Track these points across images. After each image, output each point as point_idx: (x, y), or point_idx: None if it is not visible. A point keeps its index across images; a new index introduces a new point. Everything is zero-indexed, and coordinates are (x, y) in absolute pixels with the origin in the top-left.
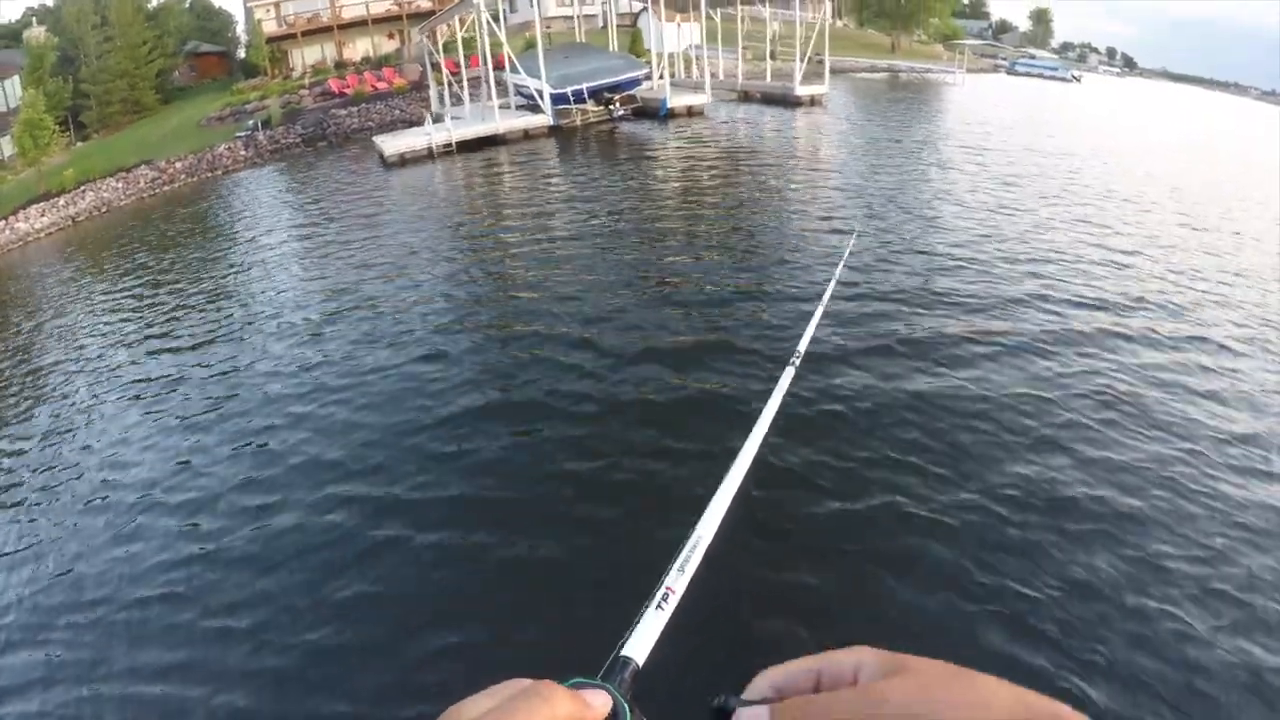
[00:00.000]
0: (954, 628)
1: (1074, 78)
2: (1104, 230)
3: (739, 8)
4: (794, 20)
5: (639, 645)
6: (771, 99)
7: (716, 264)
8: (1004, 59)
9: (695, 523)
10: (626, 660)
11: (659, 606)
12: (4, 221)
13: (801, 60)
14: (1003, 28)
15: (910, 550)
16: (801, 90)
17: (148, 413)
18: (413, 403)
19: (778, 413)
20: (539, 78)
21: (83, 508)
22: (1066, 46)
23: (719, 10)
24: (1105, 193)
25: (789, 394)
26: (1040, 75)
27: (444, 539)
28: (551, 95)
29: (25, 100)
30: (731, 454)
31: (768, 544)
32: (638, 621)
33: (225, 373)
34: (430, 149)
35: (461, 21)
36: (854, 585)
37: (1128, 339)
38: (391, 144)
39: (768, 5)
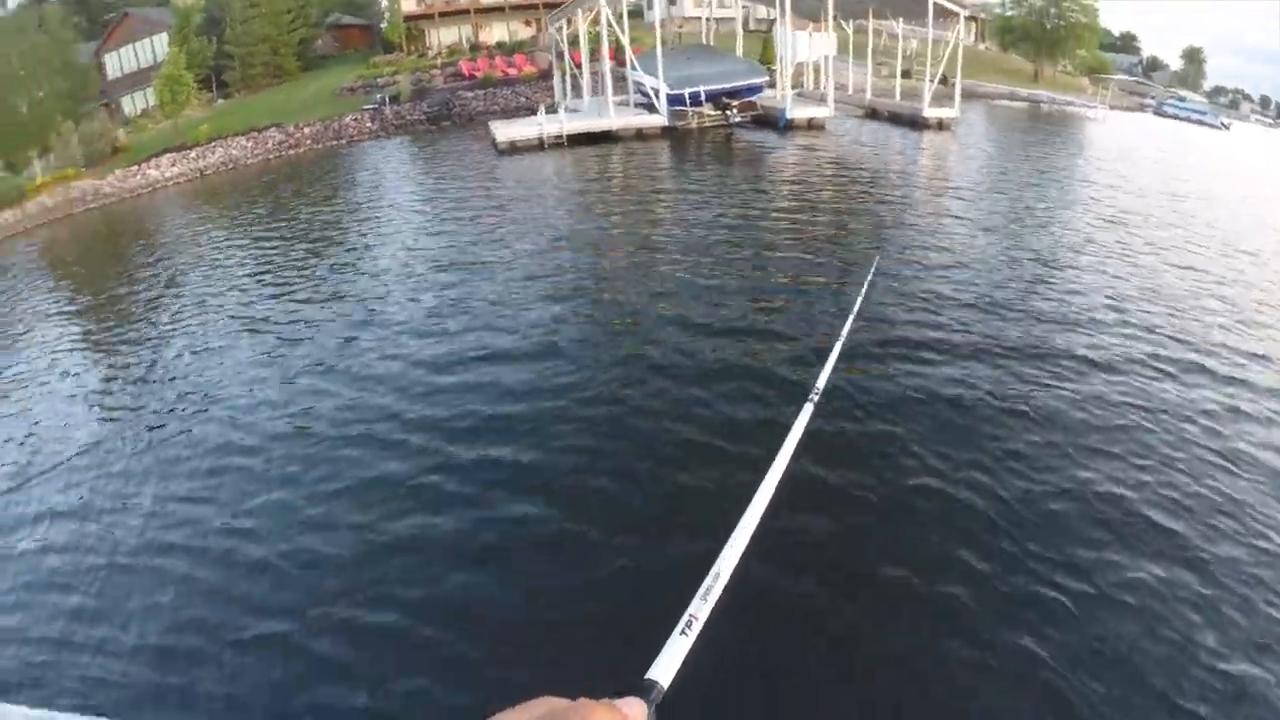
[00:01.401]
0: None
1: (1223, 125)
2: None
3: (870, 20)
4: (932, 38)
5: (665, 669)
6: (898, 119)
7: (817, 290)
8: (1152, 98)
9: (718, 554)
10: (653, 683)
11: (683, 632)
12: (137, 167)
13: (932, 81)
14: (1153, 65)
15: (932, 587)
16: (929, 112)
17: (252, 348)
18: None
19: (797, 448)
20: (657, 77)
21: (181, 417)
22: (1218, 90)
23: (851, 22)
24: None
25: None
26: (1188, 119)
27: (476, 536)
28: (668, 96)
29: (168, 57)
30: (753, 486)
31: (788, 577)
32: (664, 646)
33: (324, 320)
34: (541, 139)
35: (589, 13)
36: (874, 621)
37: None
38: (504, 130)
39: (901, 22)
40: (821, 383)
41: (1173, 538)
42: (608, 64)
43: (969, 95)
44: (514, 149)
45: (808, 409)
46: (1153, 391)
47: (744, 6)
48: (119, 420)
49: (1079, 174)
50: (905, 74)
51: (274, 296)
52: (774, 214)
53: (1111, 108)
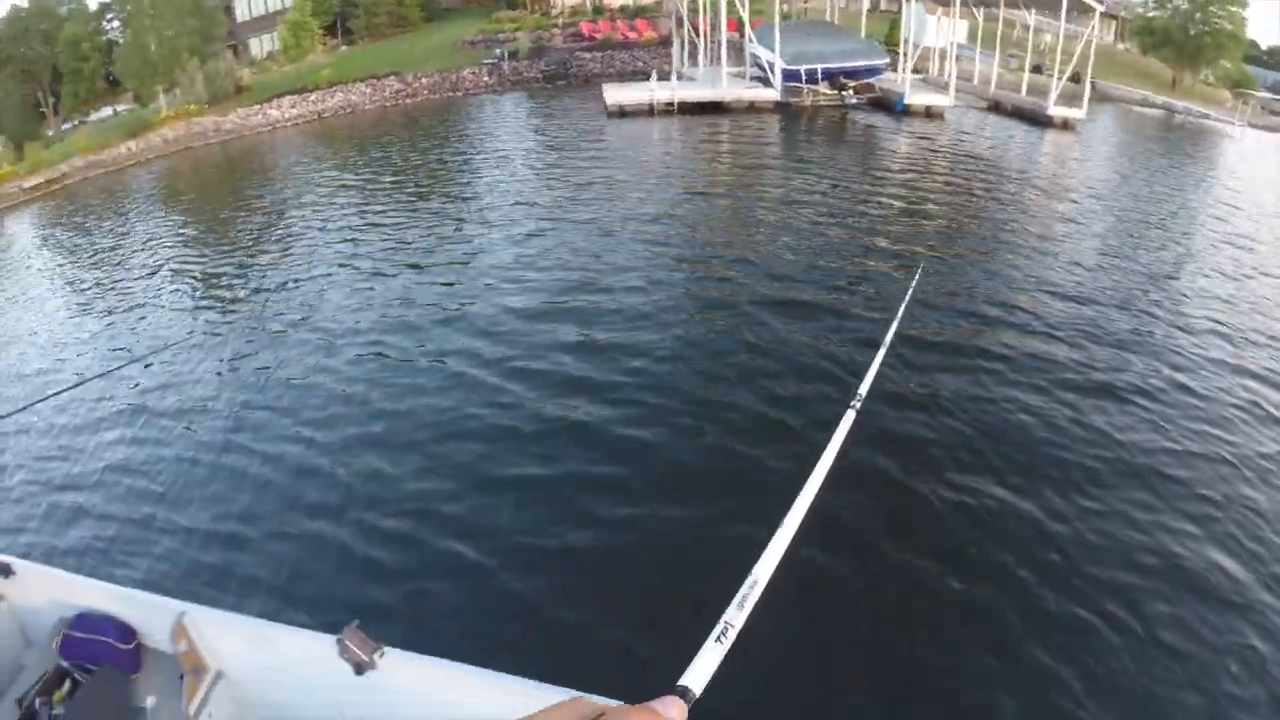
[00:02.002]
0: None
1: None
2: None
3: (1002, 8)
4: (1065, 32)
5: (697, 676)
6: (1021, 113)
7: (933, 294)
8: None
9: (754, 562)
10: (685, 689)
11: (718, 640)
12: (259, 107)
13: (1062, 77)
14: None
15: (973, 602)
16: (1055, 110)
17: (349, 281)
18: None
19: (838, 455)
20: (774, 50)
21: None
22: None
23: (983, 9)
24: None
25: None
26: None
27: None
28: (784, 71)
29: (294, 3)
30: (793, 496)
31: (825, 587)
32: (697, 653)
33: (422, 261)
34: (651, 105)
35: None
36: (913, 636)
37: None
38: (614, 94)
39: (1033, 12)
40: (864, 389)
41: (1236, 587)
42: (725, 33)
43: (1100, 97)
44: (623, 113)
45: (850, 416)
46: (1247, 435)
47: None
48: (214, 332)
49: (1204, 192)
50: (1036, 69)
51: (377, 235)
52: (879, 199)
53: (1251, 125)
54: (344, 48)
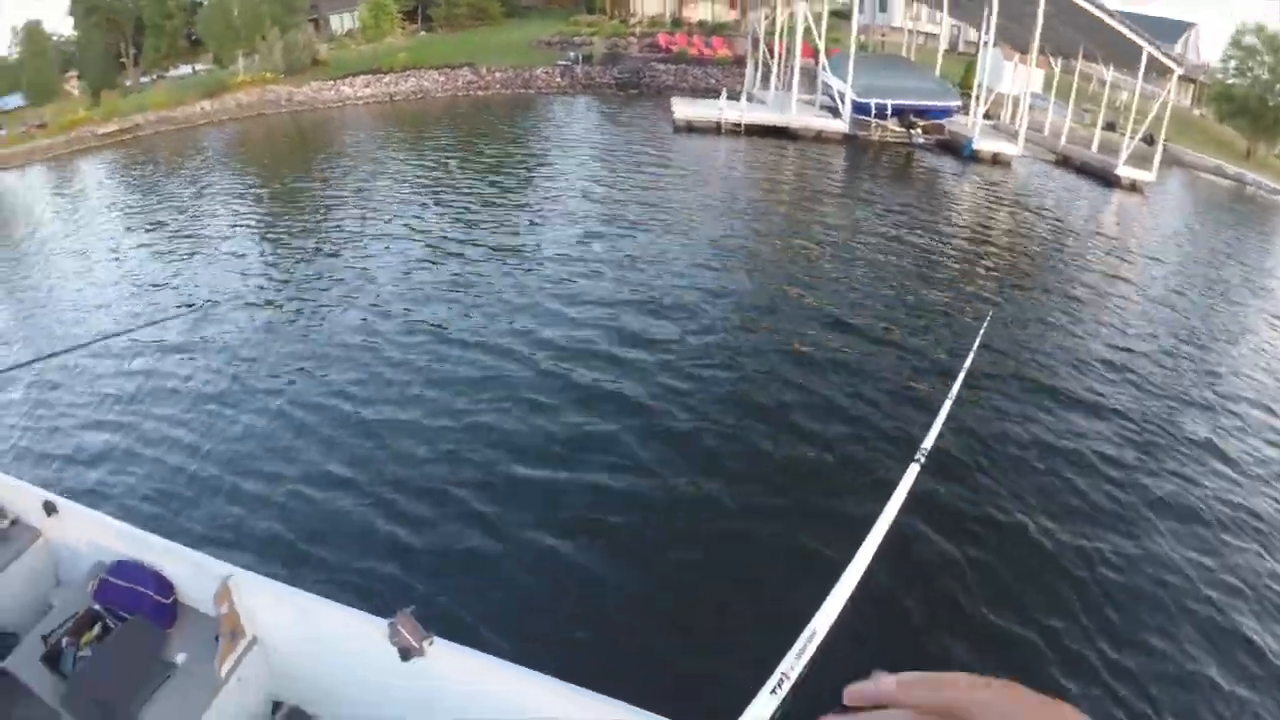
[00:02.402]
0: None
1: None
2: None
3: (1079, 61)
4: (1141, 91)
5: None
6: (1089, 170)
7: (956, 327)
8: None
9: (813, 613)
10: None
11: (774, 691)
12: (333, 82)
13: (1134, 137)
14: None
15: (1029, 660)
16: (1123, 170)
17: (406, 256)
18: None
19: (901, 508)
20: (845, 81)
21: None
22: None
23: (1060, 60)
24: None
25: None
26: None
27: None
28: (854, 102)
29: None
30: (853, 549)
31: (885, 643)
32: (750, 704)
33: (479, 244)
34: (719, 123)
35: (788, 6)
36: None
37: None
38: (683, 109)
39: (1111, 68)
40: (929, 443)
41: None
42: (799, 59)
43: (1172, 161)
44: (690, 128)
45: (913, 470)
46: None
47: (954, 26)
48: (271, 289)
49: (1268, 269)
50: (1109, 126)
51: (436, 218)
52: (941, 242)
53: None
54: (422, 34)
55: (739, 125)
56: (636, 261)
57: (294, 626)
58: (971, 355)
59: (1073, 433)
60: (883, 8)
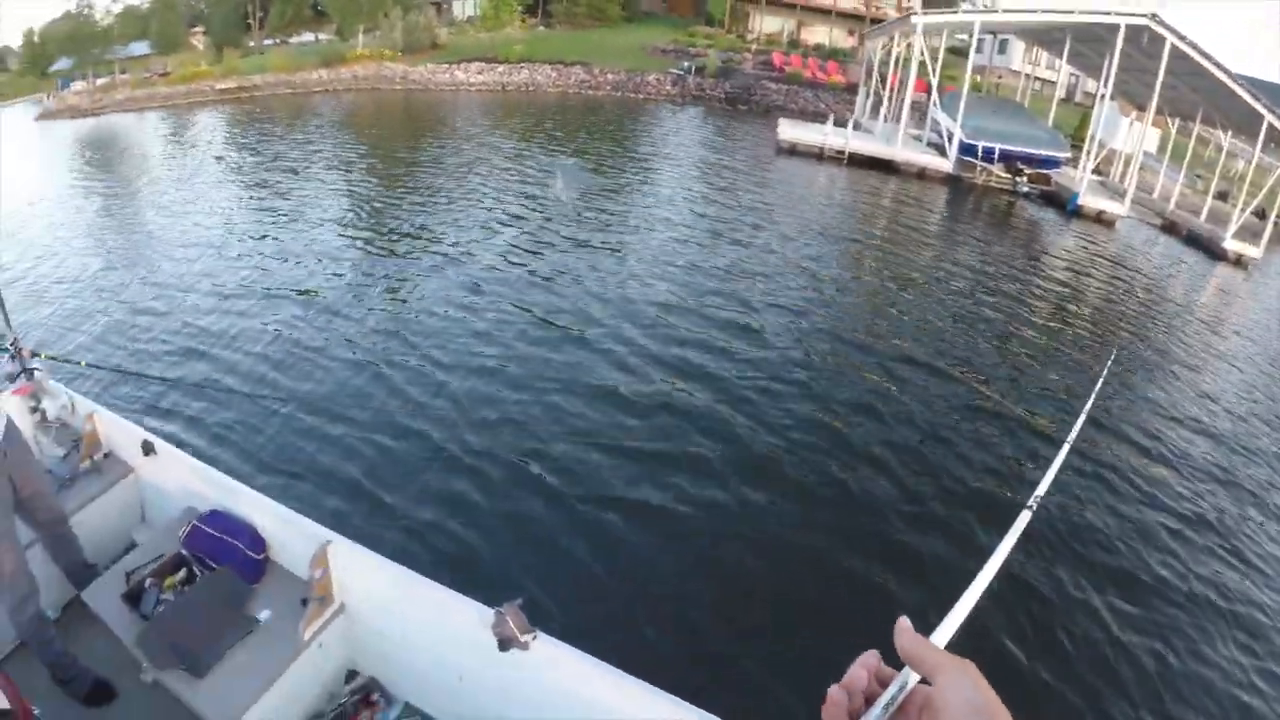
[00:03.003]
0: None
1: None
2: None
3: (1197, 124)
4: (1259, 162)
5: None
6: (1195, 240)
7: (1047, 393)
8: None
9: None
10: None
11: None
12: (448, 66)
13: (1245, 209)
14: None
15: None
16: (1230, 244)
17: (501, 240)
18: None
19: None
20: (955, 120)
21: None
22: None
23: (1177, 120)
24: None
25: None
26: None
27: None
28: (961, 143)
29: None
30: (953, 597)
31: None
32: None
33: (571, 242)
34: (822, 149)
35: (905, 39)
36: None
37: None
38: (789, 131)
39: (1229, 134)
40: (1042, 490)
41: None
42: (911, 93)
43: None
44: (793, 150)
45: (1025, 517)
46: None
47: (1072, 76)
48: (368, 257)
49: None
50: (1221, 195)
51: (536, 208)
52: (1032, 297)
53: None
54: (540, 29)
55: (842, 153)
56: (728, 275)
57: (387, 599)
58: (1086, 409)
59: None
60: (1001, 50)
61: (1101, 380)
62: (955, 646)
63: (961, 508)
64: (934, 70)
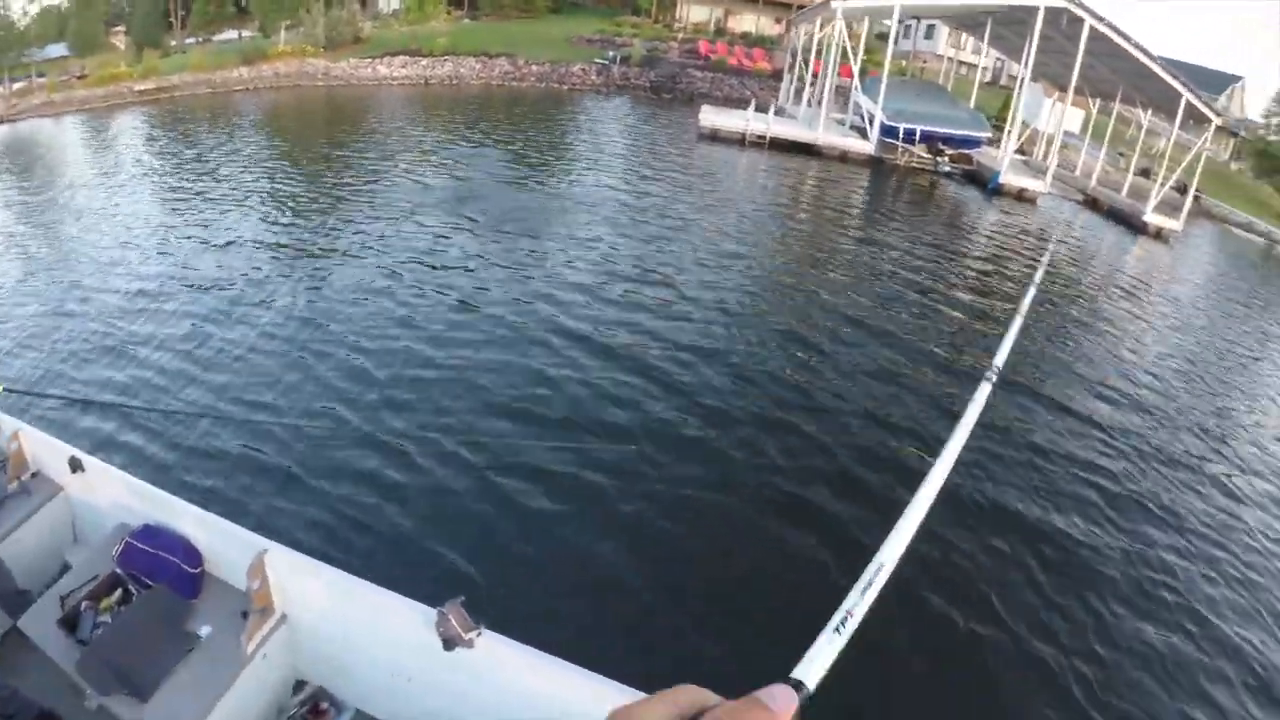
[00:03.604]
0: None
1: None
2: None
3: (1118, 104)
4: (1177, 140)
5: (812, 669)
6: (1116, 214)
7: (953, 367)
8: None
9: (880, 545)
10: (798, 682)
11: (837, 630)
12: (370, 60)
13: (1165, 184)
14: None
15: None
16: (1150, 217)
17: (418, 231)
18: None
19: (971, 432)
20: (876, 103)
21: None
22: None
23: (1098, 100)
24: None
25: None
26: None
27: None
28: (882, 125)
29: None
30: (920, 475)
31: (952, 576)
32: (813, 644)
33: (488, 230)
34: (743, 134)
35: (828, 24)
36: (1033, 628)
37: None
38: (710, 117)
39: (1149, 113)
40: (999, 360)
41: None
42: (834, 78)
43: (1204, 214)
44: (715, 136)
45: (985, 388)
46: None
47: (998, 60)
48: (282, 249)
49: None
50: (1144, 172)
51: (454, 198)
52: (952, 269)
53: None
54: (466, 20)
55: (763, 138)
56: (646, 259)
57: (328, 606)
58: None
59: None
60: (928, 35)
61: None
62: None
63: (877, 470)
64: (856, 55)
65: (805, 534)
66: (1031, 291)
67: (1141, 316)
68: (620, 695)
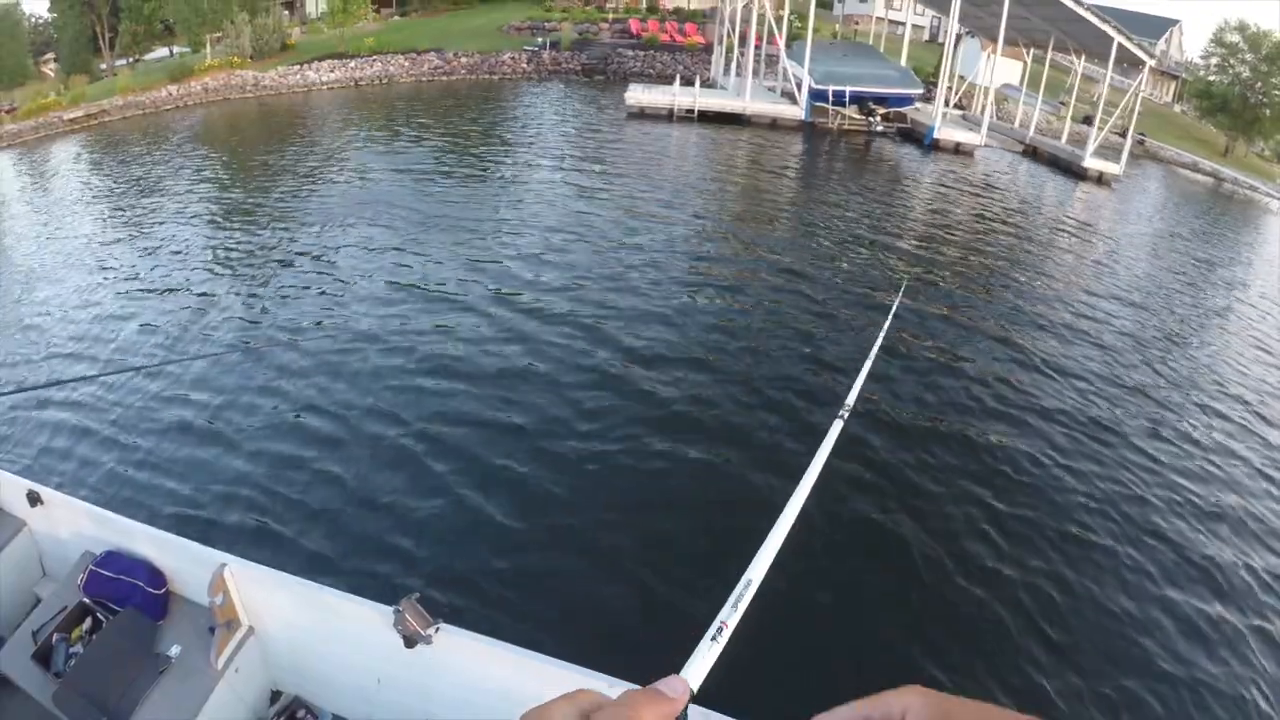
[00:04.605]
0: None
1: None
2: None
3: (1050, 52)
4: (1114, 84)
5: (694, 672)
6: (1056, 162)
7: (922, 317)
8: None
9: (748, 564)
10: (684, 681)
11: (714, 639)
12: (299, 67)
13: (1102, 129)
14: None
15: (966, 601)
16: (1090, 162)
17: (366, 233)
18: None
19: (827, 462)
20: (803, 68)
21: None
22: None
23: (1032, 51)
24: None
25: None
26: None
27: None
28: (811, 89)
29: None
30: (784, 500)
31: (813, 587)
32: (695, 649)
33: (435, 224)
34: (671, 110)
35: None
36: (902, 633)
37: None
38: (636, 95)
39: (1083, 59)
40: (851, 399)
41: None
42: (752, 45)
43: (1149, 156)
44: (643, 114)
45: (837, 425)
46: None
47: (934, 18)
48: (238, 262)
49: (1233, 261)
50: (1086, 120)
51: (384, 200)
52: (890, 231)
53: None
54: (396, 18)
55: (691, 111)
56: (576, 235)
57: (293, 615)
58: (888, 322)
59: (996, 401)
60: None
61: (900, 294)
62: (788, 546)
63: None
64: (781, 22)
65: (685, 545)
66: (879, 342)
67: (1079, 254)
68: (571, 675)
